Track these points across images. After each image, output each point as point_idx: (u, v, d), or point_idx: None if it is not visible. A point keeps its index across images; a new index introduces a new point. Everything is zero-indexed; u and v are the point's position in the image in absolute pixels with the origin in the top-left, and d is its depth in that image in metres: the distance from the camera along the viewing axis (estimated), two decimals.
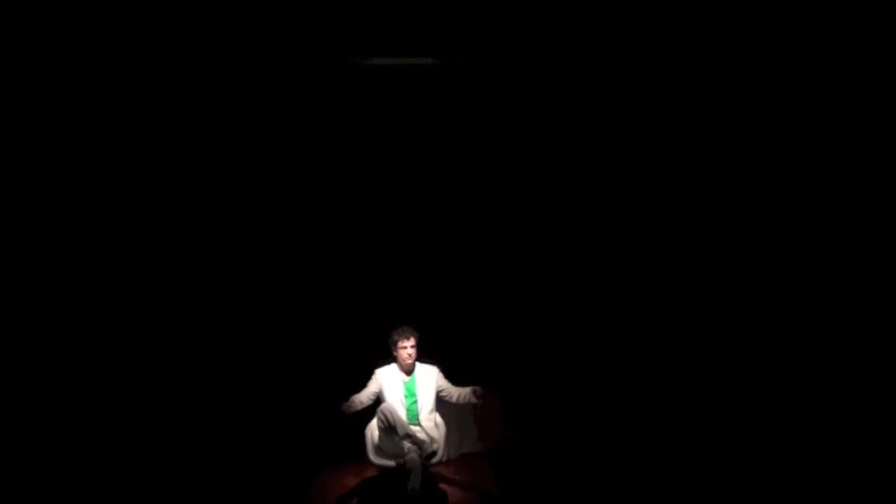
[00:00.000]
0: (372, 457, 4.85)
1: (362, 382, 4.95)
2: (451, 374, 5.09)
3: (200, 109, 5.33)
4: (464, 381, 5.02)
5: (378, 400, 4.86)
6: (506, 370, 5.89)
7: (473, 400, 4.84)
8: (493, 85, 5.57)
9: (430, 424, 4.87)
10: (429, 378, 4.94)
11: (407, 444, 4.61)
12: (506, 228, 6.10)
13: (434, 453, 4.73)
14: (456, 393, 4.92)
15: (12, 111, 4.54)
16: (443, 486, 5.10)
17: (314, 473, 5.33)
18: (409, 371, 4.93)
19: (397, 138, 5.90)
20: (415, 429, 4.75)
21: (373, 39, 5.01)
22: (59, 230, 4.79)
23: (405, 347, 4.87)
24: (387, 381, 4.89)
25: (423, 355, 5.03)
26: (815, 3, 4.39)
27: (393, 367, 4.95)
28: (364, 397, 4.84)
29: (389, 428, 4.64)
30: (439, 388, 4.93)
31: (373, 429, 4.85)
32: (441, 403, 5.04)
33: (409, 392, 4.90)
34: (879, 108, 4.24)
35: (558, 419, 5.79)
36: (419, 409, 4.87)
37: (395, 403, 4.79)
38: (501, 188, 6.04)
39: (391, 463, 4.72)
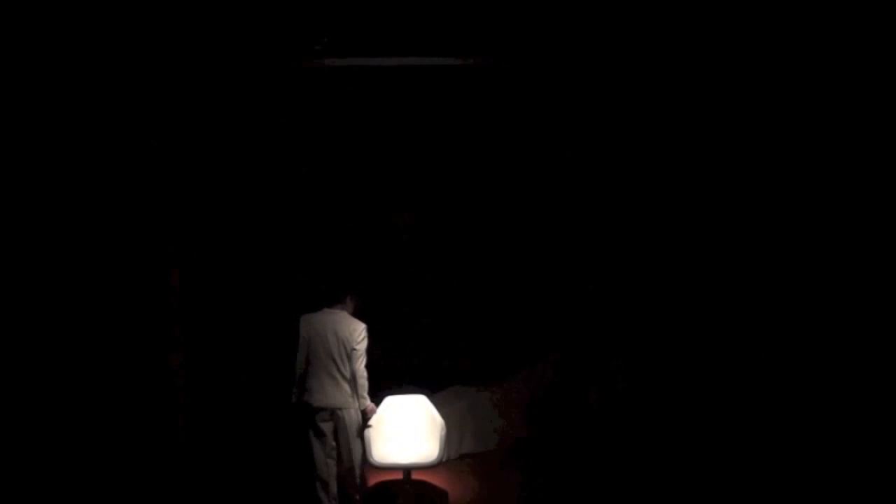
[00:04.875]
0: (370, 457, 4.83)
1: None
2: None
3: (213, 115, 5.39)
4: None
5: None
6: (503, 370, 5.91)
7: None
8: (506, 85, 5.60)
9: None
10: None
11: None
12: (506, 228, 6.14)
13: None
14: None
15: None
16: (443, 486, 5.09)
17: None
18: None
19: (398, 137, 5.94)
20: None
21: (371, 39, 5.03)
22: (42, 228, 4.73)
23: None
24: None
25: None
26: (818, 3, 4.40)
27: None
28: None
29: None
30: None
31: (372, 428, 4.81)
32: (442, 403, 5.03)
33: None
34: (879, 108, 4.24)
35: (559, 420, 5.81)
36: None
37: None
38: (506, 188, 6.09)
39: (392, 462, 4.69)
